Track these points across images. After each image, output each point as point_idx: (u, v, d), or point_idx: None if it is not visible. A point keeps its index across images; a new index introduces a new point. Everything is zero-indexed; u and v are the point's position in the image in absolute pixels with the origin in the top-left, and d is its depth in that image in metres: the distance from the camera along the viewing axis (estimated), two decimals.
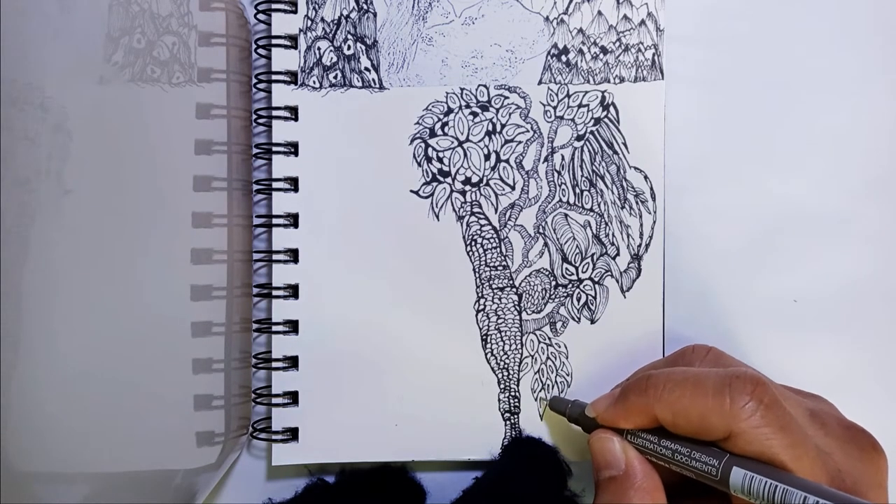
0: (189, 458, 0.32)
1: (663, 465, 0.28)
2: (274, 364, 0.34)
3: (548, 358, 0.34)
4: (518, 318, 0.34)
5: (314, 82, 0.34)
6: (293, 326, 0.34)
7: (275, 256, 0.34)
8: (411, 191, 0.34)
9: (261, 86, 0.35)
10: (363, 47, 0.34)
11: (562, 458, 0.33)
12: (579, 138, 0.34)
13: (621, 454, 0.28)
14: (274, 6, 0.34)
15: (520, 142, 0.34)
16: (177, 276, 0.32)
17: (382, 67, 0.34)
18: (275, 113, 0.34)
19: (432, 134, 0.34)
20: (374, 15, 0.34)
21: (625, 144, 0.34)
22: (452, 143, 0.34)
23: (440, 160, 0.34)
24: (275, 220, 0.34)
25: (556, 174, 0.34)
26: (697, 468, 0.26)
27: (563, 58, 0.34)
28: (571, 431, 0.33)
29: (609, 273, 0.34)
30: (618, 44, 0.34)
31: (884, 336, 0.34)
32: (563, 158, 0.34)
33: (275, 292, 0.34)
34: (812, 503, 0.23)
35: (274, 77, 0.34)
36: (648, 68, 0.34)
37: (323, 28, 0.34)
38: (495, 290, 0.34)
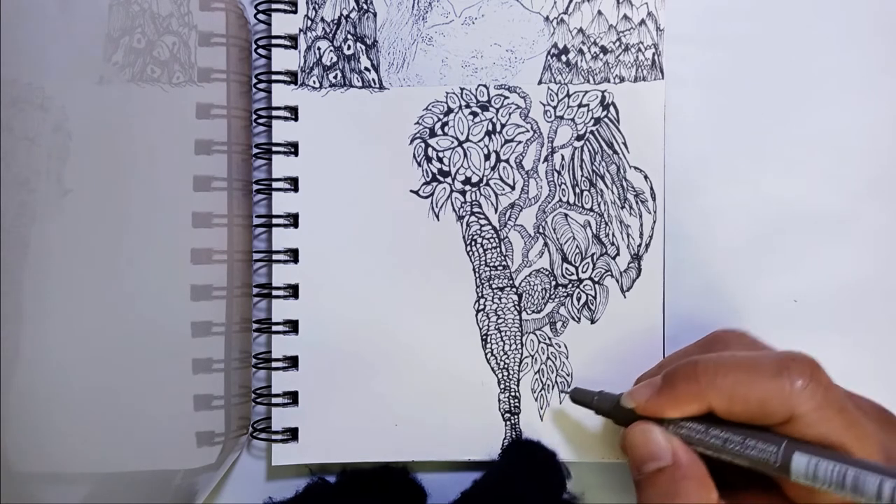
0: (189, 458, 0.32)
1: (710, 455, 0.26)
2: (274, 364, 0.34)
3: (548, 358, 0.34)
4: (518, 317, 0.34)
5: (314, 82, 0.34)
6: (293, 326, 0.34)
7: (275, 256, 0.34)
8: (411, 191, 0.34)
9: (261, 86, 0.35)
10: (363, 47, 0.34)
11: (561, 461, 0.32)
12: (579, 138, 0.34)
13: (667, 444, 0.27)
14: (274, 6, 0.34)
15: (520, 142, 0.34)
16: (177, 276, 0.32)
17: (382, 67, 0.34)
18: (275, 113, 0.34)
19: (432, 134, 0.34)
20: (374, 15, 0.34)
21: (625, 144, 0.34)
22: (452, 142, 0.34)
23: (440, 160, 0.34)
24: (275, 220, 0.34)
25: (556, 174, 0.34)
26: (753, 455, 0.25)
27: (563, 57, 0.34)
28: (571, 433, 0.33)
29: (609, 273, 0.34)
30: (618, 43, 0.34)
31: (884, 336, 0.34)
32: (563, 158, 0.34)
33: (275, 292, 0.34)
34: (891, 487, 0.22)
35: (274, 77, 0.34)
36: (648, 68, 0.34)
37: (323, 28, 0.34)
38: (495, 290, 0.34)
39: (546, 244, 0.34)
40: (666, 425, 0.28)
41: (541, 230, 0.34)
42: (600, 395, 0.30)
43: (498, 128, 0.34)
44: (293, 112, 0.34)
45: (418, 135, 0.34)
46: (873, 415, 0.27)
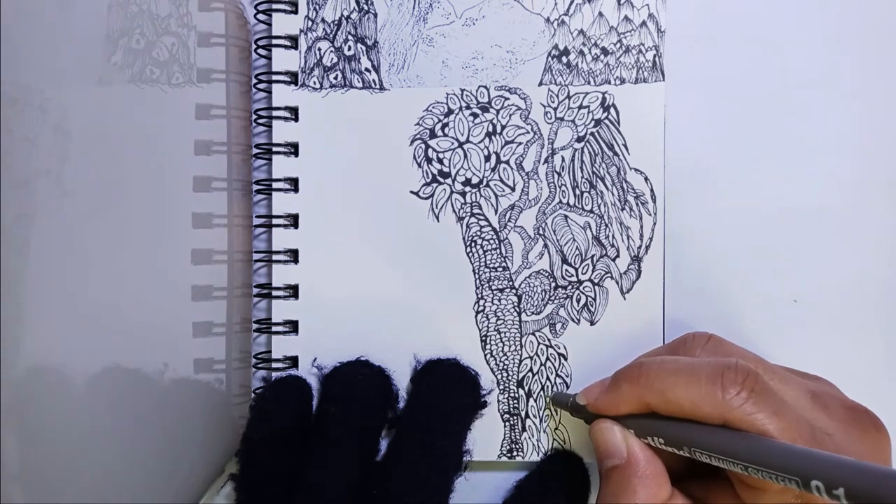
0: (190, 458, 0.32)
1: (670, 450, 0.27)
2: (274, 364, 0.34)
3: (547, 359, 0.34)
4: (517, 319, 0.34)
5: (315, 83, 0.34)
6: (293, 326, 0.34)
7: (275, 256, 0.34)
8: (411, 192, 0.34)
9: (261, 86, 0.35)
10: (364, 48, 0.34)
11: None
12: (580, 139, 0.34)
13: (622, 443, 0.28)
14: (274, 6, 0.34)
15: (520, 143, 0.34)
16: (177, 277, 0.32)
17: (383, 68, 0.34)
18: (275, 113, 0.34)
19: (432, 135, 0.34)
20: (375, 16, 0.34)
21: (625, 146, 0.34)
22: (453, 144, 0.34)
23: (440, 161, 0.34)
24: (275, 221, 0.34)
25: (556, 175, 0.34)
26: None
27: (564, 59, 0.34)
28: (570, 435, 0.33)
29: (609, 275, 0.34)
30: (619, 45, 0.33)
31: (884, 336, 0.34)
32: (563, 160, 0.34)
33: (275, 292, 0.34)
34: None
35: (274, 77, 0.34)
36: (649, 69, 0.33)
37: (323, 29, 0.34)
38: (495, 292, 0.34)
39: (546, 246, 0.34)
40: (625, 420, 0.28)
41: (541, 232, 0.34)
42: (575, 397, 0.31)
43: (498, 129, 0.34)
44: (293, 112, 0.34)
45: (418, 136, 0.34)
46: (840, 415, 0.27)
